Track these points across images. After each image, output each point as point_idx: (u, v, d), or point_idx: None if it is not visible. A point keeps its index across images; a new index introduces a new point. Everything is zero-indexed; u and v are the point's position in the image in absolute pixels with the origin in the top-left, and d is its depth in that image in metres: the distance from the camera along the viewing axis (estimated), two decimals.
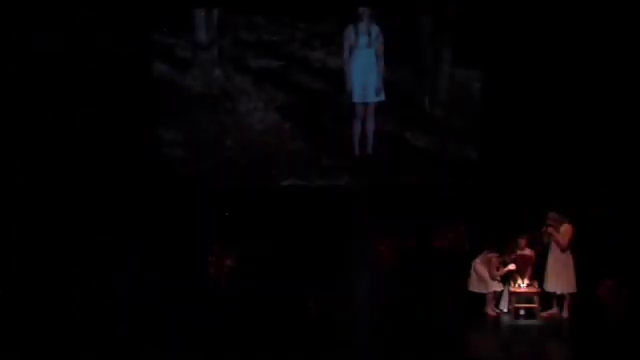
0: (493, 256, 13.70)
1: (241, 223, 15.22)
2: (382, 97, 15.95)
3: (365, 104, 15.99)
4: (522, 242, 13.79)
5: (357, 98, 15.92)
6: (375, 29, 15.87)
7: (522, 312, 13.64)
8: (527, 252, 13.80)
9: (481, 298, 13.79)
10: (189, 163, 16.30)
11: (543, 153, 15.41)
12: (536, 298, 13.57)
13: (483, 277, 13.74)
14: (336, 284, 14.29)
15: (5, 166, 14.84)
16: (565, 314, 13.57)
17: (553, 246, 13.55)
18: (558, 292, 13.53)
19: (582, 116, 15.27)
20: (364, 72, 15.89)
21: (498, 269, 13.68)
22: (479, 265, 13.80)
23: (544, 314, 13.62)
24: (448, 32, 16.14)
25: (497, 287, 13.76)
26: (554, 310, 13.67)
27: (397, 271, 14.55)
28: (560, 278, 13.49)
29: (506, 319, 13.63)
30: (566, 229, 13.51)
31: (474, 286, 13.86)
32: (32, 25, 15.00)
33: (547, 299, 13.64)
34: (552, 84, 15.44)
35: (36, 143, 15.09)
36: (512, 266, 13.68)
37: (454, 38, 16.11)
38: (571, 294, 13.51)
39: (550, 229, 13.54)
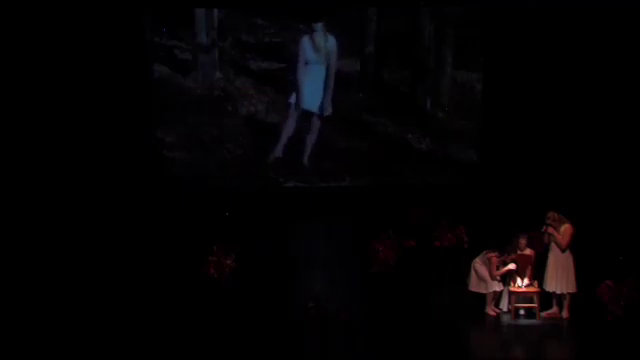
0: (493, 256, 13.68)
1: (241, 223, 15.25)
2: (329, 112, 16.12)
3: (311, 114, 16.15)
4: (522, 242, 13.78)
5: (307, 106, 16.11)
6: (331, 42, 15.97)
7: (522, 312, 13.62)
8: (527, 252, 13.79)
9: (481, 298, 13.77)
10: (189, 165, 16.31)
11: (543, 154, 15.42)
12: (536, 298, 13.55)
13: (483, 277, 13.73)
14: (336, 284, 14.29)
15: (5, 166, 14.85)
16: (565, 314, 13.56)
17: (553, 246, 13.54)
18: (558, 292, 13.52)
19: (582, 117, 15.29)
20: (313, 85, 16.03)
21: (498, 268, 13.67)
22: (479, 265, 13.79)
23: (544, 314, 13.61)
24: (449, 34, 16.16)
25: (497, 287, 13.75)
26: (554, 310, 13.65)
27: (397, 271, 14.54)
28: (560, 278, 13.47)
29: (506, 319, 13.61)
30: (566, 229, 13.50)
31: (474, 286, 13.85)
32: (32, 25, 15.03)
33: (547, 299, 13.62)
34: (552, 86, 15.47)
35: (36, 143, 15.11)
36: (512, 266, 13.66)
37: (455, 40, 16.13)
38: (571, 294, 13.50)
39: (550, 229, 13.53)
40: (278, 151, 16.32)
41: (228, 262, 13.85)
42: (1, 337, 12.28)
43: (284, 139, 16.29)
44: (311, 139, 16.31)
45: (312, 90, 16.08)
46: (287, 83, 16.35)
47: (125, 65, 15.67)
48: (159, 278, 14.29)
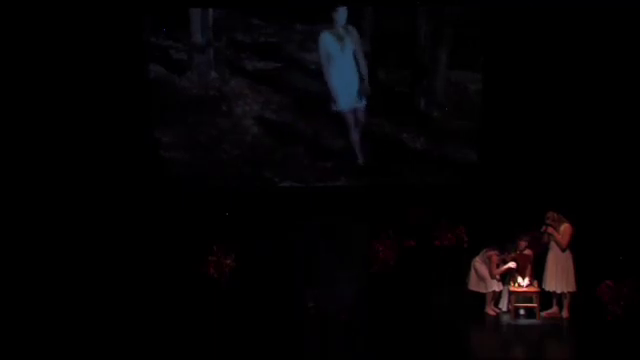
0: (493, 254, 13.70)
1: (241, 223, 15.23)
2: (364, 101, 15.99)
3: (354, 111, 16.05)
4: (522, 244, 13.78)
5: (345, 105, 15.98)
6: (352, 30, 15.84)
7: (522, 312, 13.64)
8: (526, 251, 13.81)
9: (481, 298, 13.79)
10: (188, 165, 16.28)
11: (543, 154, 15.44)
12: (536, 298, 13.57)
13: (483, 276, 13.74)
14: (336, 284, 14.29)
15: (5, 166, 14.80)
16: (565, 314, 13.59)
17: (553, 246, 13.57)
18: (558, 291, 13.55)
19: (582, 117, 15.30)
20: (346, 78, 15.92)
21: (498, 267, 13.67)
22: (479, 264, 13.80)
23: (544, 314, 13.63)
24: (449, 34, 16.17)
25: (496, 286, 13.76)
26: (554, 310, 13.68)
27: (397, 271, 14.55)
28: (560, 278, 13.51)
29: (506, 319, 13.63)
30: (566, 229, 13.53)
31: (474, 285, 13.87)
32: (31, 25, 14.99)
33: (547, 299, 13.65)
34: (552, 86, 15.48)
35: (34, 143, 15.06)
36: (512, 264, 13.67)
37: (455, 40, 16.13)
38: (571, 294, 13.53)
39: (550, 229, 13.56)
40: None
41: (228, 262, 13.85)
42: (1, 337, 12.24)
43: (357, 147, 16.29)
44: (355, 137, 16.23)
45: (344, 86, 15.99)
46: (283, 84, 16.33)
47: (122, 65, 15.64)
48: (159, 278, 14.27)
